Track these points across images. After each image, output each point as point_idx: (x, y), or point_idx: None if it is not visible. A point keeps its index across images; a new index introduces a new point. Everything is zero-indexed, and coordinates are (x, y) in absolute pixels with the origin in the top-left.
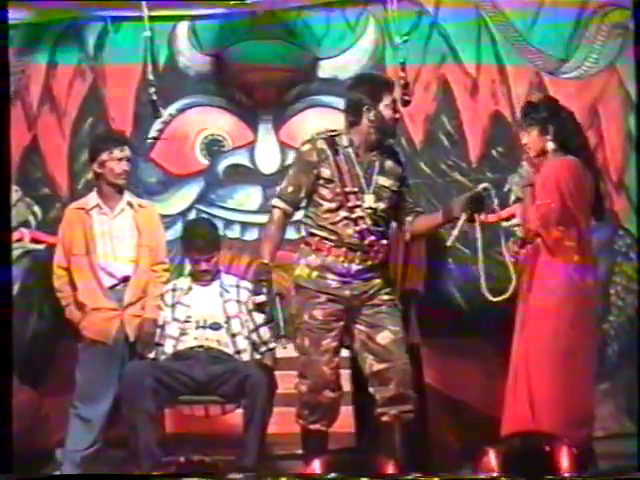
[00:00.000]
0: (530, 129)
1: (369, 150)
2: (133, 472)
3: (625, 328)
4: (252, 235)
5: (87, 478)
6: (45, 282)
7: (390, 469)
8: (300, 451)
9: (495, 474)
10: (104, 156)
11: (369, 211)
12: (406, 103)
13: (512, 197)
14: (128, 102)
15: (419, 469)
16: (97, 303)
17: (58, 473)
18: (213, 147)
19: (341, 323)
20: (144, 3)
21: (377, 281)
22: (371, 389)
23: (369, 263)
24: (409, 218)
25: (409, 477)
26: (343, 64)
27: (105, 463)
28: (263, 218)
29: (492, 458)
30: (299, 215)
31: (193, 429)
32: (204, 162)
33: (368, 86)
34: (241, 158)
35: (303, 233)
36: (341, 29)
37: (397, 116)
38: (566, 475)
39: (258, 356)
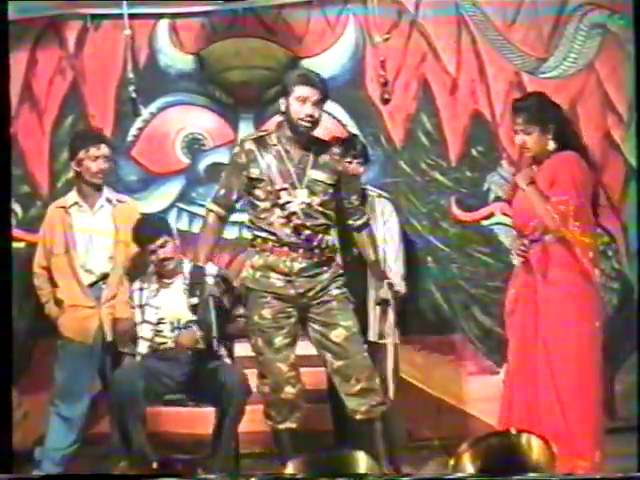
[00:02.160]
0: (529, 129)
1: (299, 145)
2: (111, 471)
3: (605, 327)
4: (233, 234)
5: (86, 478)
6: (25, 280)
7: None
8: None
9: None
10: (81, 154)
11: (303, 206)
12: (386, 101)
13: (491, 196)
14: (108, 100)
15: (396, 465)
16: (75, 300)
17: (37, 472)
18: (194, 145)
19: (292, 320)
20: (124, 2)
21: (324, 277)
22: (336, 386)
23: (315, 260)
24: (357, 222)
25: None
26: (323, 63)
27: (85, 461)
28: (244, 216)
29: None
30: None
31: (169, 428)
32: (185, 160)
33: (285, 78)
34: (222, 157)
35: (244, 234)
36: (321, 28)
37: (308, 111)
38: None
39: (223, 350)
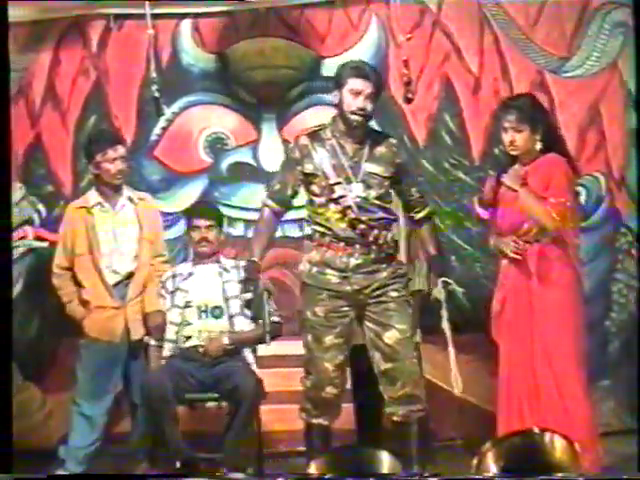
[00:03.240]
0: (520, 127)
1: (354, 139)
2: (134, 470)
3: (626, 325)
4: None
5: (87, 478)
6: (48, 280)
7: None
8: (302, 448)
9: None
10: (98, 157)
11: (358, 200)
12: (409, 101)
13: None
14: (131, 100)
15: (421, 465)
16: (101, 301)
17: (61, 471)
18: (216, 145)
19: (346, 320)
20: (147, 1)
21: (382, 275)
22: (380, 387)
23: (372, 257)
24: (418, 215)
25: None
26: None
27: (107, 460)
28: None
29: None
30: (303, 213)
31: (192, 427)
32: (207, 160)
33: (338, 70)
34: (244, 156)
35: (305, 231)
36: (344, 27)
37: (360, 104)
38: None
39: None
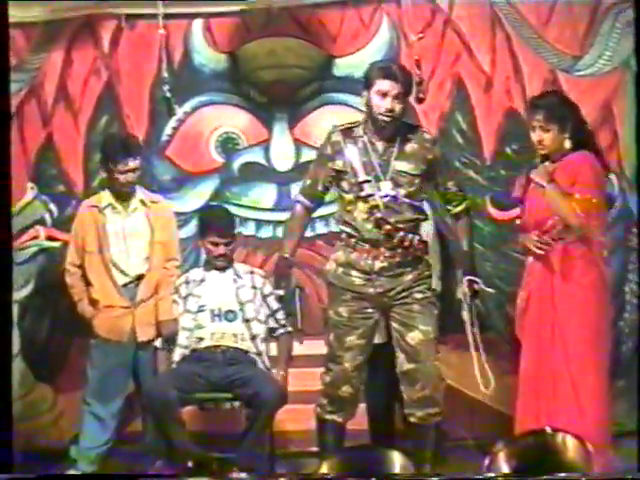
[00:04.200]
0: (549, 127)
1: (384, 137)
2: (146, 469)
3: (639, 325)
4: (267, 233)
5: (91, 478)
6: (60, 279)
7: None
8: (314, 449)
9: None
10: (110, 166)
11: (387, 199)
12: (420, 100)
13: None
14: (143, 100)
15: (433, 467)
16: (110, 300)
17: (73, 471)
18: (228, 145)
19: (369, 321)
20: (159, 1)
21: (407, 278)
22: (401, 387)
23: (397, 260)
24: (456, 208)
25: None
26: (358, 62)
27: (120, 460)
28: (278, 215)
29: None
30: (317, 211)
31: (205, 427)
32: (219, 160)
33: (367, 71)
34: (256, 156)
35: (332, 228)
36: (355, 27)
37: (388, 105)
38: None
39: (263, 346)
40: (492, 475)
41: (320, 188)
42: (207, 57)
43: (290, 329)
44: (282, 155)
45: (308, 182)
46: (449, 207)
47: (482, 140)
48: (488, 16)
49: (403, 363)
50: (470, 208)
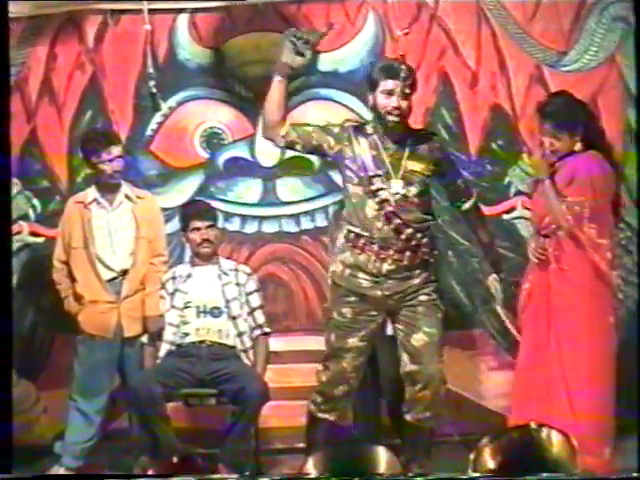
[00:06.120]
0: (559, 135)
1: (394, 138)
2: (132, 465)
3: (625, 321)
4: (252, 228)
5: (86, 478)
6: (44, 275)
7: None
8: (301, 445)
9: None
10: (94, 159)
11: (398, 197)
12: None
13: (512, 190)
14: (128, 95)
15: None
16: (95, 296)
17: (58, 466)
18: (213, 140)
19: (373, 324)
20: None
21: (415, 281)
22: (405, 387)
23: (405, 263)
24: (465, 205)
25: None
26: (343, 57)
27: (105, 456)
28: (263, 211)
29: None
30: (300, 208)
31: (190, 423)
32: (204, 155)
33: (369, 72)
34: (241, 151)
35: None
36: (341, 22)
37: (394, 104)
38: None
39: (249, 343)
40: (476, 475)
41: (314, 139)
42: (192, 52)
43: (267, 330)
44: (267, 150)
45: (308, 127)
46: (458, 204)
47: (468, 135)
48: (474, 12)
49: (406, 364)
50: (479, 203)
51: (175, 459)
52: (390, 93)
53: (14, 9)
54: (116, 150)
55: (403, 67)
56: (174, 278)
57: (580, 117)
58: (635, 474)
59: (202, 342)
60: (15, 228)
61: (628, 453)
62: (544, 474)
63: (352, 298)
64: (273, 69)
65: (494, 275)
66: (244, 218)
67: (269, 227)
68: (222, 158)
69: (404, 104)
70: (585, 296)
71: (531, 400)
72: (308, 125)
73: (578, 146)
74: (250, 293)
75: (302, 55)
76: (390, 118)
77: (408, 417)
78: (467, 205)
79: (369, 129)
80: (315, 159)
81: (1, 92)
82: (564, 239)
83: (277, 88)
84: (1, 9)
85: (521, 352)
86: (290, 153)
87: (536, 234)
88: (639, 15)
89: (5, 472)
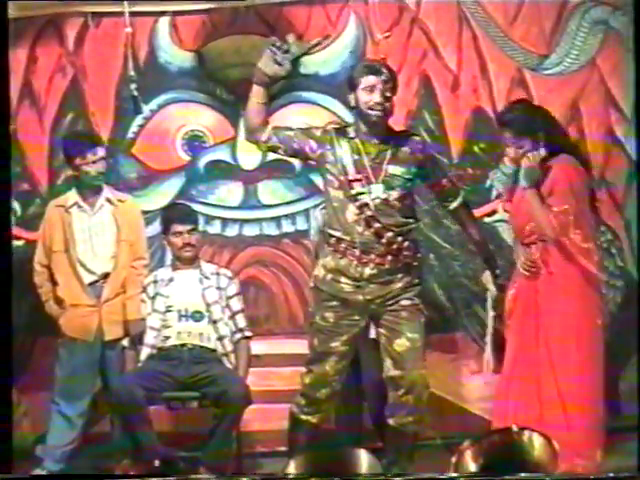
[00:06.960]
0: (520, 143)
1: (376, 140)
2: (113, 468)
3: (607, 325)
4: (233, 231)
5: (85, 478)
6: (24, 278)
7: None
8: (283, 448)
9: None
10: (77, 161)
11: (378, 201)
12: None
13: (494, 193)
14: (109, 98)
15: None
16: (76, 299)
17: (39, 470)
18: (194, 143)
19: (355, 329)
20: (125, 1)
21: (397, 285)
22: (388, 391)
23: (386, 267)
24: (452, 204)
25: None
26: (324, 60)
27: (87, 459)
28: (244, 214)
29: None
30: (281, 211)
31: (171, 426)
32: (185, 158)
33: (350, 73)
34: (222, 154)
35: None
36: (322, 24)
37: (377, 99)
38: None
39: (230, 347)
40: (456, 475)
41: (295, 142)
42: (173, 55)
43: (248, 333)
44: (248, 153)
45: (289, 131)
46: (445, 204)
47: (449, 138)
48: (455, 15)
49: (389, 369)
50: (466, 200)
51: (157, 462)
52: (372, 90)
53: None
54: (101, 151)
55: (384, 66)
56: (155, 282)
57: (539, 122)
58: (612, 474)
59: (183, 345)
60: None
61: (628, 453)
62: (522, 474)
63: (334, 302)
64: (253, 74)
65: (488, 271)
66: (225, 221)
67: (250, 230)
68: (203, 161)
69: (386, 101)
70: (574, 299)
71: (518, 403)
72: (290, 129)
73: (542, 152)
74: (231, 297)
75: (280, 65)
76: (373, 113)
77: (391, 421)
78: (455, 204)
79: (351, 132)
80: (296, 162)
81: (1, 92)
82: (550, 245)
83: (257, 93)
84: (1, 9)
85: (507, 356)
86: (272, 156)
87: (519, 243)
88: (639, 15)
89: (5, 472)
